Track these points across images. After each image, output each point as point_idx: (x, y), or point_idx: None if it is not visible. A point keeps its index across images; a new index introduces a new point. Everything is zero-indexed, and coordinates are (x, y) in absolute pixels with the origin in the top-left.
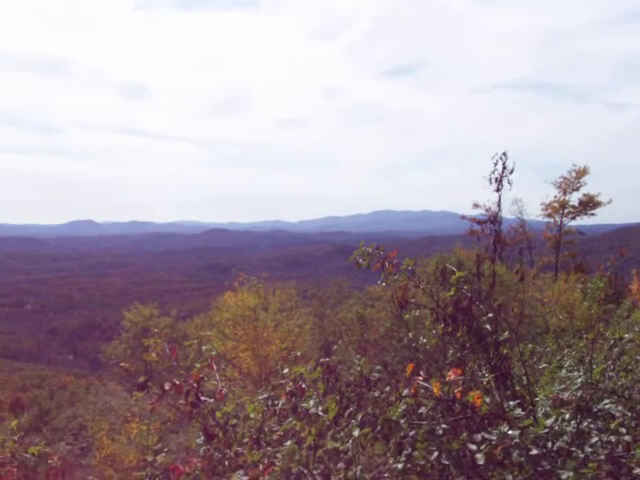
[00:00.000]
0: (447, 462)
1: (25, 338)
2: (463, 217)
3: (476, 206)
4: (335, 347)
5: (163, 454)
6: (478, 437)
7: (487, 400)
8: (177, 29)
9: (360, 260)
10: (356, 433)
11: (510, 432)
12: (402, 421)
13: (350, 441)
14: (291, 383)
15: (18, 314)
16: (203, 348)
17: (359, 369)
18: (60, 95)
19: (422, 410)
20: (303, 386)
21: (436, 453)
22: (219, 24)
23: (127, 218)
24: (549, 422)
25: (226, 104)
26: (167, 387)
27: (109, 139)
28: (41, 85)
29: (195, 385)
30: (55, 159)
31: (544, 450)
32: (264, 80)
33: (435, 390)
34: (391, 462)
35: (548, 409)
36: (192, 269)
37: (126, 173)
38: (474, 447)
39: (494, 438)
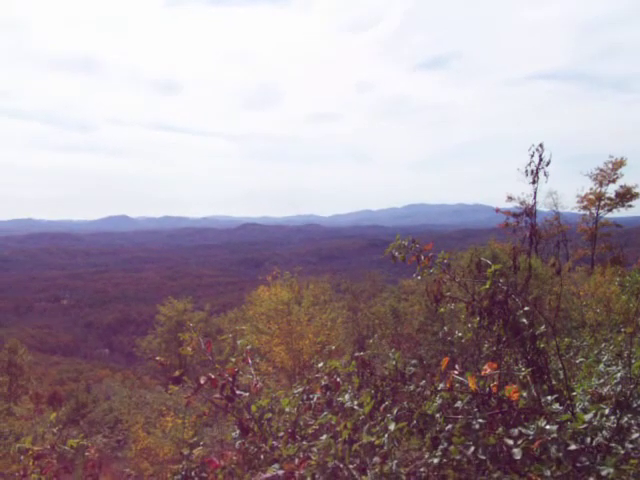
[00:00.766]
0: (484, 457)
1: (62, 332)
2: (497, 210)
3: (510, 199)
4: (371, 341)
5: (200, 447)
6: (515, 432)
7: (524, 394)
8: (208, 25)
9: (396, 253)
10: (392, 427)
11: (548, 427)
12: (438, 415)
13: (386, 435)
14: (326, 377)
15: (55, 309)
16: (238, 342)
17: (394, 363)
18: (94, 93)
19: (458, 404)
20: (338, 380)
21: (473, 448)
22: (250, 19)
23: (161, 213)
24: (588, 417)
25: (258, 99)
26: (202, 381)
27: (143, 135)
28: (76, 84)
29: (230, 379)
30: (90, 156)
31: (583, 446)
32: (296, 74)
33: (471, 384)
34: (427, 456)
35: (586, 404)
36: (226, 263)
37: (160, 169)
38: (511, 442)
39: (531, 433)
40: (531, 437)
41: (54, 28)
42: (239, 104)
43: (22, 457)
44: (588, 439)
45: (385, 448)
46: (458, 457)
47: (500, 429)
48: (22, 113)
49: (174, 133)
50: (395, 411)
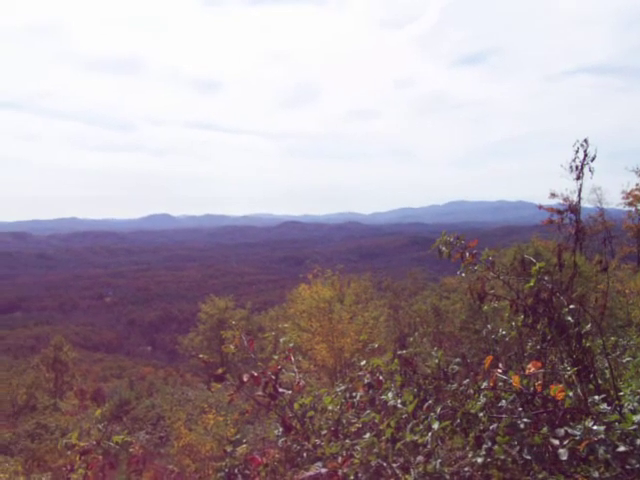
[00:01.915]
0: (529, 457)
1: (105, 330)
2: (540, 207)
3: (553, 195)
4: (411, 339)
5: (244, 445)
6: (561, 432)
7: (569, 394)
8: (246, 24)
9: (443, 248)
10: (435, 426)
11: (595, 428)
12: (481, 414)
13: (429, 434)
14: (368, 375)
15: (98, 306)
16: (281, 340)
17: (436, 361)
18: (135, 93)
19: (502, 403)
20: (380, 378)
21: (518, 447)
22: (288, 17)
23: (202, 212)
24: (637, 418)
25: (297, 96)
26: (245, 379)
27: (183, 134)
28: (117, 84)
29: (273, 377)
30: (132, 155)
31: (632, 447)
32: (334, 72)
33: (514, 383)
34: (470, 456)
35: (635, 405)
36: (266, 261)
37: (200, 167)
38: (557, 442)
39: (578, 433)
40: (578, 438)
41: (94, 30)
42: (278, 102)
43: (69, 452)
44: (638, 441)
45: (428, 447)
46: (503, 457)
47: (545, 429)
48: (65, 114)
49: (214, 132)
50: (438, 410)
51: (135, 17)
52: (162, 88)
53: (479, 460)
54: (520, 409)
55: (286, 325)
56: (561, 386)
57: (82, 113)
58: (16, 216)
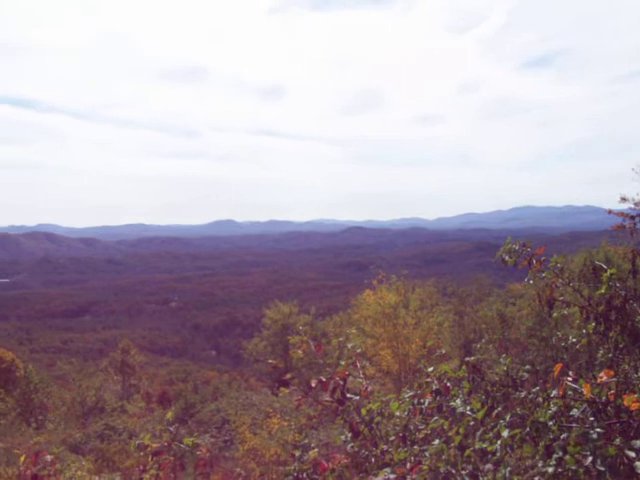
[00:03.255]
0: (602, 468)
1: (171, 334)
2: (610, 212)
3: (624, 200)
4: (478, 345)
5: (315, 450)
6: (637, 443)
7: None
8: (310, 30)
9: (507, 257)
10: (505, 434)
11: None
12: (551, 423)
13: (498, 442)
14: (436, 381)
15: (164, 311)
16: (349, 346)
17: (504, 368)
18: (200, 101)
19: (574, 412)
20: (448, 385)
21: (590, 458)
22: (352, 23)
23: (266, 217)
24: None
25: (360, 102)
26: (313, 384)
27: (248, 141)
28: (182, 92)
29: (341, 382)
30: (197, 162)
31: None
32: (398, 77)
33: (585, 392)
34: (540, 465)
35: None
36: (330, 267)
37: (264, 173)
38: (632, 454)
39: None
40: None
41: (162, 41)
42: (341, 108)
43: (141, 453)
44: None
45: (498, 455)
46: (574, 467)
47: (618, 440)
48: (133, 122)
49: (278, 138)
50: (507, 417)
51: (201, 27)
52: (226, 95)
53: (550, 470)
54: (592, 419)
55: (353, 331)
56: (635, 396)
57: (149, 122)
58: (86, 222)
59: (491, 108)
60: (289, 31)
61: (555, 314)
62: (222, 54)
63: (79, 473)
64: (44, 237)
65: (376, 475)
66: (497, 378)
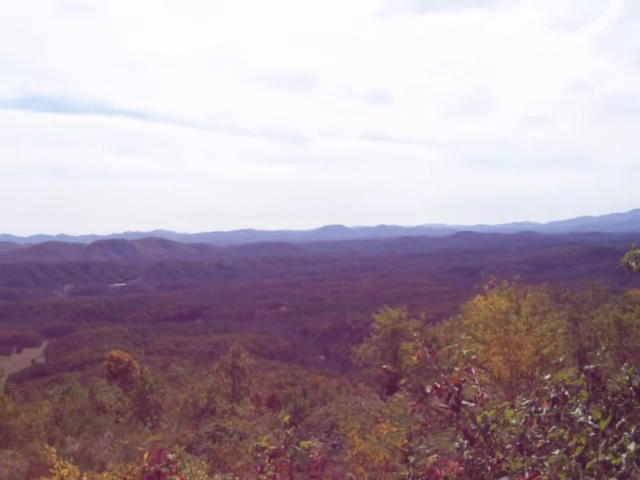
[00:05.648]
0: None
1: (280, 338)
2: None
3: None
4: (598, 353)
5: (434, 456)
6: None
7: None
8: (416, 33)
9: (632, 263)
10: (631, 447)
11: None
12: None
13: (623, 455)
14: (553, 389)
15: (274, 315)
16: (464, 352)
17: (627, 378)
18: (307, 107)
19: None
20: (566, 393)
21: None
22: (459, 24)
23: (376, 222)
24: None
25: (467, 104)
26: (428, 390)
27: (355, 146)
28: (290, 99)
29: (456, 389)
30: (305, 168)
31: None
32: (506, 78)
33: None
34: None
35: None
36: (440, 272)
37: (372, 178)
38: None
39: None
40: None
41: (269, 49)
42: (449, 111)
43: (258, 454)
44: None
45: (623, 469)
46: None
47: None
48: (243, 129)
49: (385, 143)
50: (632, 430)
51: (308, 34)
52: (333, 101)
53: None
54: None
55: (468, 337)
56: None
57: (258, 128)
58: (199, 228)
59: (606, 106)
60: (395, 35)
61: None
62: (330, 60)
63: (199, 472)
64: (158, 243)
65: None
66: (618, 388)
